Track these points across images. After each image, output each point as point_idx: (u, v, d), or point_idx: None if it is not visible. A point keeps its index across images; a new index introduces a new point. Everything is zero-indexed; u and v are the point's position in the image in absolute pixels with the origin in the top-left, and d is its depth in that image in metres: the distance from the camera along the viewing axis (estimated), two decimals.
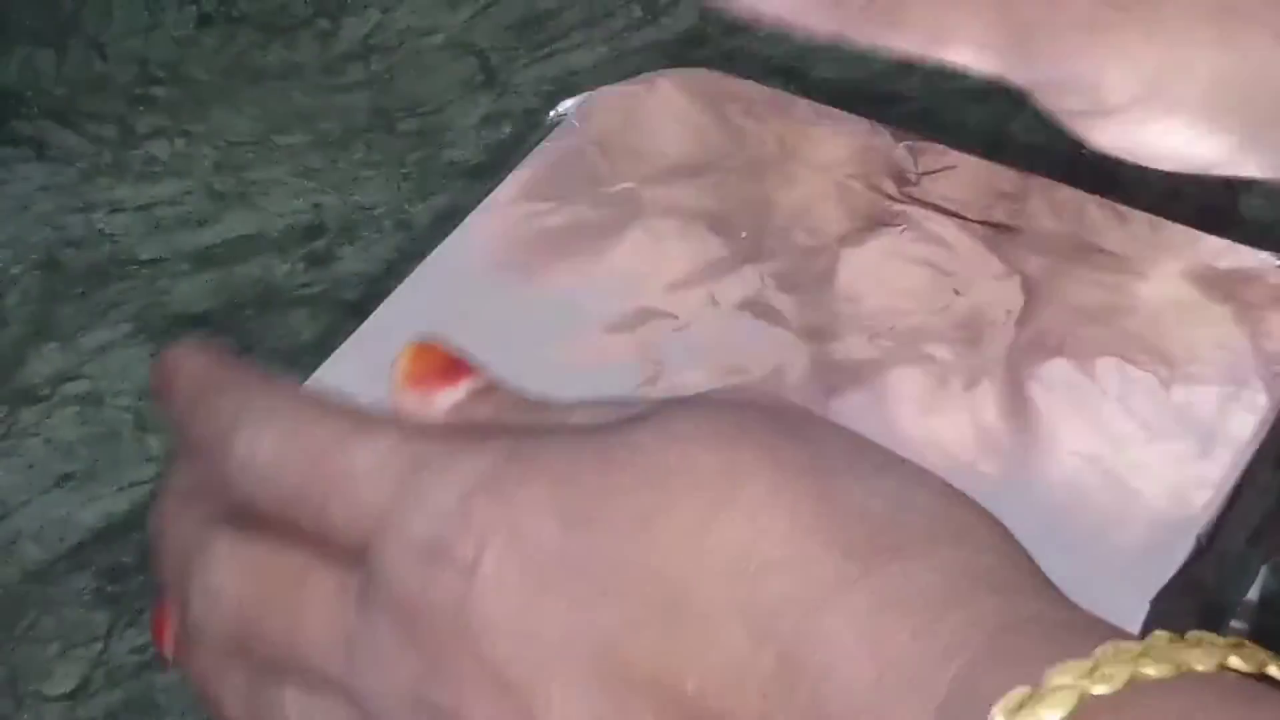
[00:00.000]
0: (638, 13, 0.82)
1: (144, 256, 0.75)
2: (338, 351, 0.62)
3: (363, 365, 0.59)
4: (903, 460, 0.40)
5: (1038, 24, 0.52)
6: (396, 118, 0.80)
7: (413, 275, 0.64)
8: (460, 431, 0.43)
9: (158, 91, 0.81)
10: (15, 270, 0.75)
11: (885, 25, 0.53)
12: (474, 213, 0.65)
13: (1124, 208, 0.64)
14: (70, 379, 0.71)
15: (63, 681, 0.64)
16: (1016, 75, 0.53)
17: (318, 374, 0.61)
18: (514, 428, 0.43)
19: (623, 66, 0.80)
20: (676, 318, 0.62)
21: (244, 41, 0.82)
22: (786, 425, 0.40)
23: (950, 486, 0.40)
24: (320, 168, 0.78)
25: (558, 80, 0.80)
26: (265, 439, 0.43)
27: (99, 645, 0.65)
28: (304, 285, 0.74)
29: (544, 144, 0.67)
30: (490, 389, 0.45)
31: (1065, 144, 0.53)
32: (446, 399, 0.45)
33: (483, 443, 0.41)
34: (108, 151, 0.78)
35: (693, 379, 0.60)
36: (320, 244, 0.75)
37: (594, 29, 0.82)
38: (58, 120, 0.80)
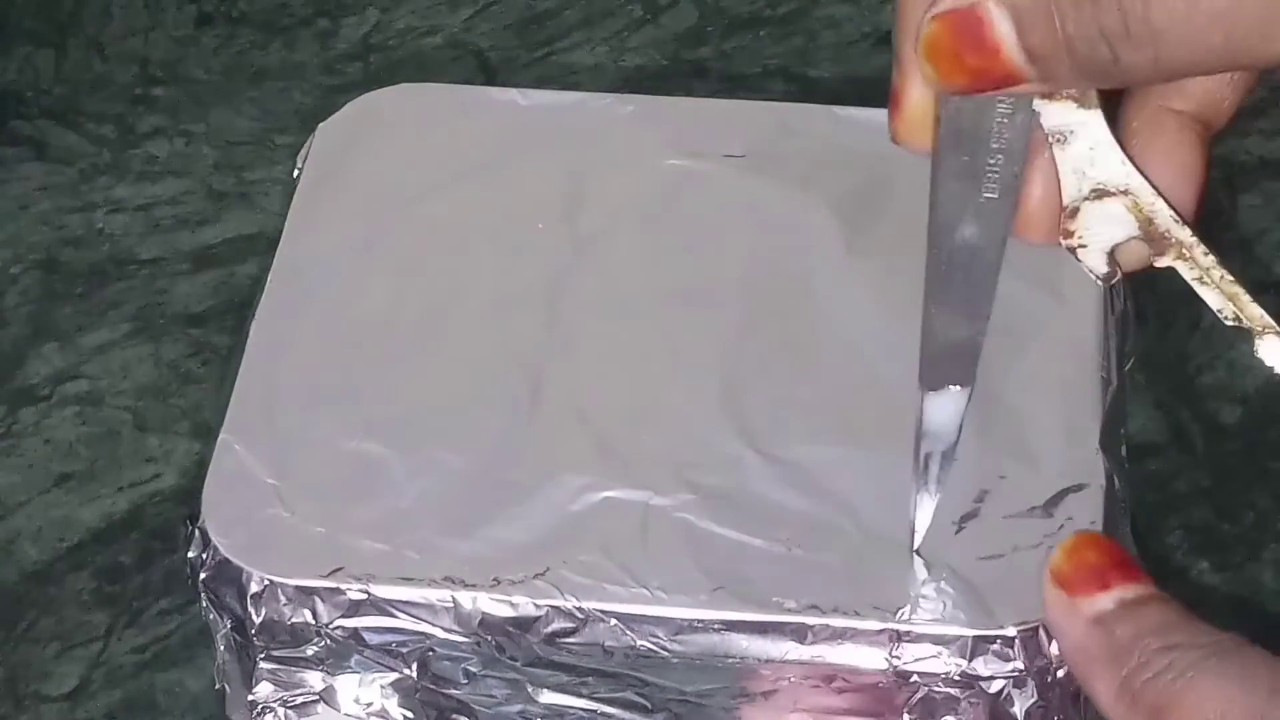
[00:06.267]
0: (638, 13, 0.82)
1: (143, 256, 0.75)
2: None
3: None
4: None
5: None
6: None
7: None
8: None
9: (157, 91, 0.80)
10: (14, 270, 0.75)
11: None
12: None
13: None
14: (69, 379, 0.71)
15: (62, 682, 0.64)
16: None
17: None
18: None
19: (623, 66, 0.80)
20: None
21: (244, 41, 0.82)
22: None
23: None
24: None
25: (558, 80, 0.80)
26: None
27: (98, 645, 0.65)
28: None
29: None
30: (1145, 601, 0.41)
31: None
32: (1089, 607, 0.41)
33: None
34: (107, 151, 0.78)
35: None
36: None
37: (594, 29, 0.82)
38: (57, 120, 0.80)
